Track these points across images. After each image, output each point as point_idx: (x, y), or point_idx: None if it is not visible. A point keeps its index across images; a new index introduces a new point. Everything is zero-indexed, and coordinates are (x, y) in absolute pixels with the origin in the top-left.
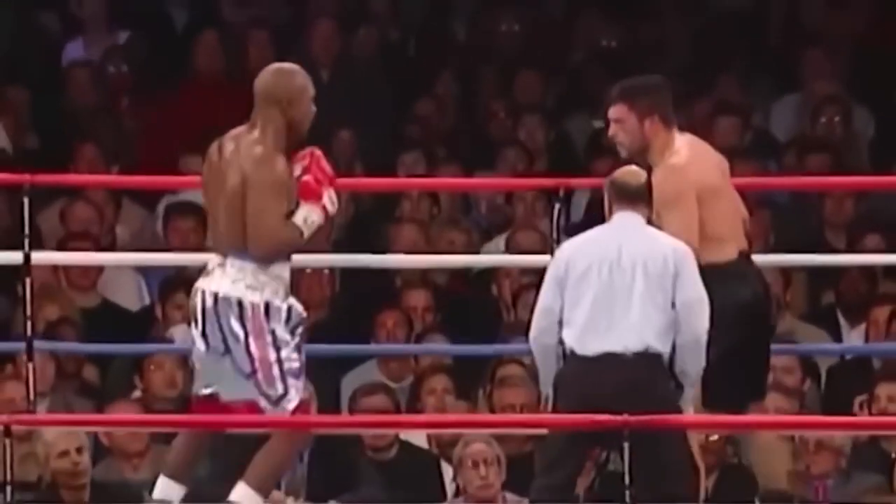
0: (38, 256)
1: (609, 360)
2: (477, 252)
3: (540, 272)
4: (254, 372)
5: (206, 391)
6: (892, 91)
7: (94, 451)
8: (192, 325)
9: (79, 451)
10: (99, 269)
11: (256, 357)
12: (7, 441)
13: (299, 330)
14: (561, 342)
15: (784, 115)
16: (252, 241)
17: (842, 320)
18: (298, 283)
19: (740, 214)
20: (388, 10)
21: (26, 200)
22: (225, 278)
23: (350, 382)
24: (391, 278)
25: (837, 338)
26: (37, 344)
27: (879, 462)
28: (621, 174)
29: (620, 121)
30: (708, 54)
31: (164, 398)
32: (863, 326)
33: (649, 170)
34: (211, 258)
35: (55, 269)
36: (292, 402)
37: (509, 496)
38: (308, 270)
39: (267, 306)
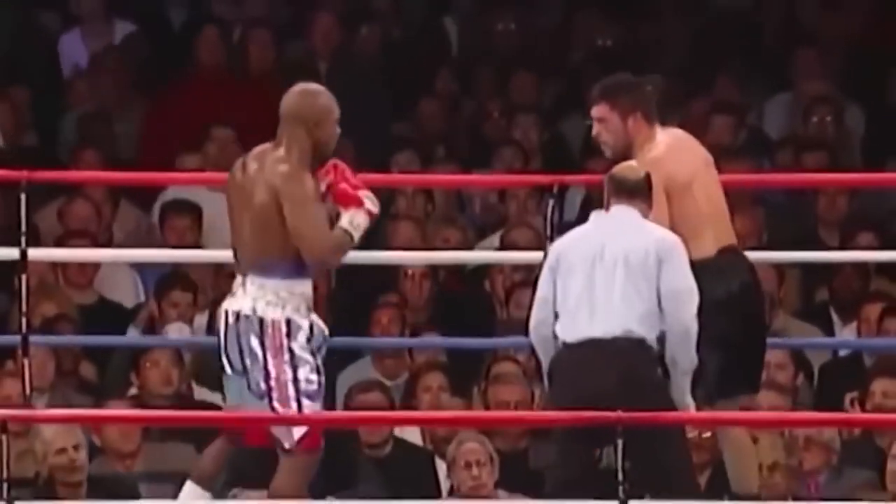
0: (35, 253)
1: (592, 345)
2: (472, 249)
3: (534, 269)
4: (269, 390)
5: None
6: (885, 90)
7: (89, 451)
8: (219, 346)
9: (76, 448)
10: (96, 267)
11: (273, 375)
12: (3, 437)
13: (322, 350)
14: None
15: (777, 113)
16: (306, 254)
17: (835, 317)
18: None
19: (722, 210)
20: (390, 8)
21: (23, 197)
22: (246, 297)
23: (346, 379)
24: (386, 275)
25: (830, 335)
26: (31, 339)
27: (871, 458)
28: (621, 169)
29: (603, 120)
30: (705, 54)
31: (159, 395)
32: (855, 323)
33: None
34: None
35: (53, 266)
36: (299, 431)
37: (502, 493)
38: None
39: (288, 322)
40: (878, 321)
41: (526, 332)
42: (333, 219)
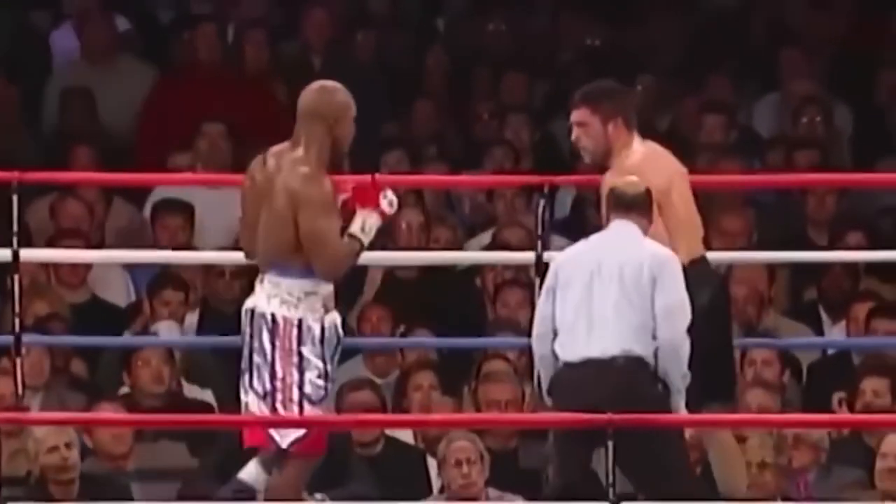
0: (27, 254)
1: (592, 365)
2: (461, 249)
3: (526, 268)
4: (273, 390)
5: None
6: (872, 90)
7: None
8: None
9: (68, 446)
10: (88, 266)
11: (279, 376)
12: None
13: (337, 351)
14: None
15: (766, 113)
16: (315, 264)
17: (824, 316)
18: None
19: (695, 221)
20: (384, 8)
21: (15, 198)
22: (262, 294)
23: (336, 378)
24: (376, 274)
25: (819, 333)
26: (24, 338)
27: (860, 456)
28: (621, 183)
29: (583, 124)
30: (695, 54)
31: (151, 394)
32: (844, 323)
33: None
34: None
35: (45, 265)
36: (296, 433)
37: (492, 492)
38: None
39: (300, 324)
40: (867, 320)
41: (516, 331)
42: (347, 218)
